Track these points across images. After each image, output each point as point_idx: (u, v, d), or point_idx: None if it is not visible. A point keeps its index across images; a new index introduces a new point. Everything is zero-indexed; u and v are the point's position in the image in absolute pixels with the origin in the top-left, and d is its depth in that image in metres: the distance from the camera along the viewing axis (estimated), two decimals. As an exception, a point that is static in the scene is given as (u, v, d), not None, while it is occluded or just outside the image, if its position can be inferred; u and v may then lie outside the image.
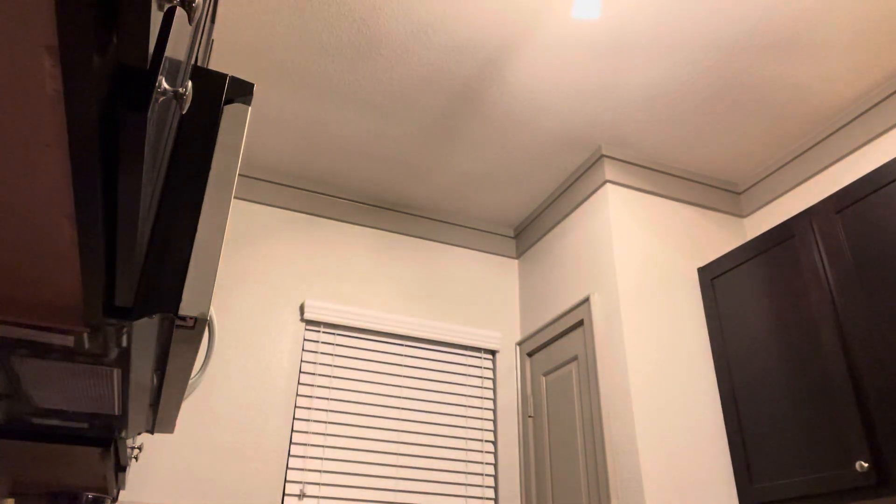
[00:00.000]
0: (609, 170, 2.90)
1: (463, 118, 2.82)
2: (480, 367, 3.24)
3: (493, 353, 3.30)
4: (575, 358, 2.84)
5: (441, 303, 3.32)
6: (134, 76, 0.46)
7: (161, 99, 0.53)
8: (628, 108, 2.72)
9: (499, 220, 3.61)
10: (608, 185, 2.88)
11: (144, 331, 0.77)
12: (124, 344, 0.81)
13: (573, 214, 3.10)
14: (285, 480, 2.66)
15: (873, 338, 2.02)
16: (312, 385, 2.87)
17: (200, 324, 0.74)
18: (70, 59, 0.39)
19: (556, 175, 3.18)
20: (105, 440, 1.35)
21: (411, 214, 3.47)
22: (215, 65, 2.57)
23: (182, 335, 0.77)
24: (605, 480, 2.43)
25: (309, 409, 2.82)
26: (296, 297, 3.02)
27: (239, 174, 3.20)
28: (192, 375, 1.74)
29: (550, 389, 2.99)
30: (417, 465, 2.89)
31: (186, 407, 2.65)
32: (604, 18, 2.31)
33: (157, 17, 0.45)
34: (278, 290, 3.00)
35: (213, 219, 0.78)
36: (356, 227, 3.33)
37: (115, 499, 2.24)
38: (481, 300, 3.41)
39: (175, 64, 0.59)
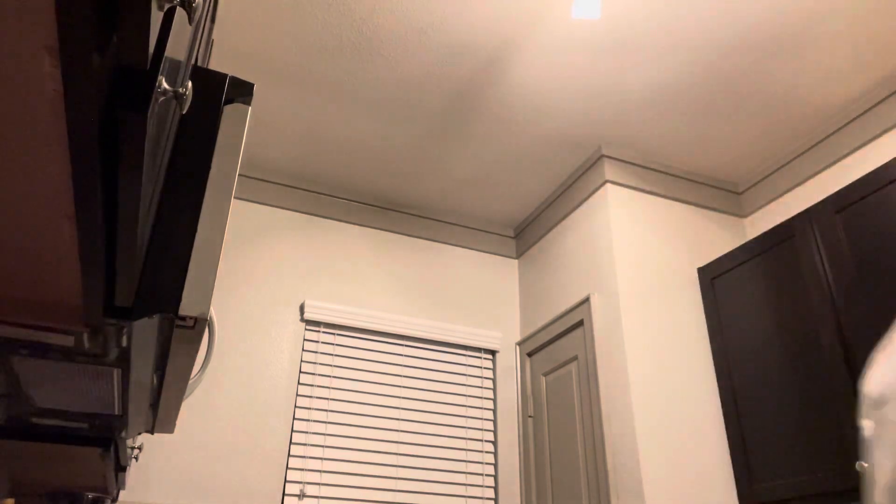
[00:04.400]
0: (609, 170, 2.90)
1: (463, 118, 2.82)
2: (480, 367, 3.24)
3: (493, 353, 3.30)
4: (575, 358, 2.84)
5: (441, 303, 3.32)
6: (134, 76, 0.46)
7: (161, 99, 0.53)
8: (628, 108, 2.72)
9: (499, 220, 3.61)
10: (608, 185, 2.88)
11: (144, 331, 0.77)
12: (124, 344, 0.81)
13: (573, 214, 3.10)
14: (285, 480, 2.66)
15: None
16: (312, 385, 2.87)
17: (200, 324, 0.74)
18: (70, 59, 0.39)
19: (557, 175, 3.18)
20: (105, 440, 1.35)
21: (411, 214, 3.47)
22: (215, 65, 2.57)
23: (182, 335, 0.77)
24: (605, 480, 2.43)
25: (309, 409, 2.82)
26: (296, 297, 3.02)
27: (239, 174, 3.20)
28: (192, 375, 1.74)
29: (550, 389, 2.99)
30: (417, 466, 2.89)
31: (186, 407, 2.65)
32: (604, 18, 2.31)
33: (157, 17, 0.45)
34: (278, 290, 3.00)
35: (213, 219, 0.78)
36: (356, 227, 3.33)
37: (115, 499, 2.24)
38: (481, 300, 3.41)
39: (175, 64, 0.59)
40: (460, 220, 3.57)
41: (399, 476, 2.84)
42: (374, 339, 3.08)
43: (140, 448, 1.87)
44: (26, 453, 1.43)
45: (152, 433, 1.61)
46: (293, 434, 2.75)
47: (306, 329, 2.97)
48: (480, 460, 3.02)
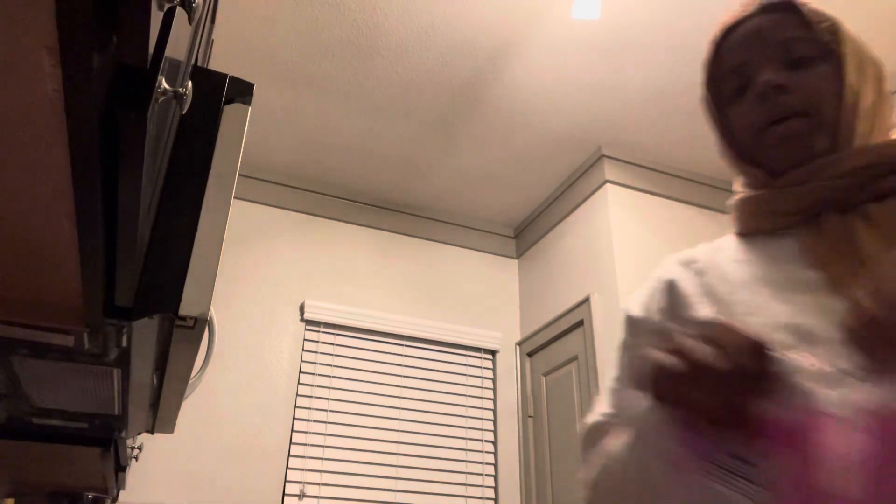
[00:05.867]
0: (609, 170, 2.90)
1: (463, 118, 2.82)
2: (480, 367, 3.24)
3: (493, 353, 3.30)
4: (575, 358, 2.84)
5: (441, 303, 3.31)
6: (134, 76, 0.46)
7: (161, 99, 0.53)
8: (628, 108, 2.72)
9: (499, 220, 3.61)
10: (608, 185, 2.88)
11: (144, 331, 0.77)
12: (124, 344, 0.81)
13: (573, 214, 3.10)
14: (285, 480, 2.66)
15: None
16: (312, 385, 2.87)
17: (200, 324, 0.74)
18: (70, 59, 0.39)
19: (556, 175, 3.18)
20: (105, 440, 1.35)
21: (411, 214, 3.47)
22: (215, 65, 2.57)
23: (182, 335, 0.77)
24: (605, 480, 2.43)
25: (309, 409, 2.82)
26: (296, 297, 3.02)
27: (239, 174, 3.19)
28: (192, 375, 1.74)
29: (550, 389, 2.99)
30: (417, 466, 2.89)
31: (186, 407, 2.65)
32: (604, 18, 2.31)
33: (157, 17, 0.45)
34: (278, 290, 3.00)
35: (213, 219, 0.78)
36: (356, 227, 3.33)
37: (115, 499, 2.24)
38: (481, 300, 3.41)
39: (175, 64, 0.59)
40: (460, 220, 3.57)
41: (399, 476, 2.84)
42: (374, 339, 3.08)
43: (140, 448, 1.88)
44: (26, 453, 1.43)
45: (152, 433, 1.62)
46: (293, 434, 2.75)
47: (306, 329, 2.97)
48: (480, 460, 3.02)
